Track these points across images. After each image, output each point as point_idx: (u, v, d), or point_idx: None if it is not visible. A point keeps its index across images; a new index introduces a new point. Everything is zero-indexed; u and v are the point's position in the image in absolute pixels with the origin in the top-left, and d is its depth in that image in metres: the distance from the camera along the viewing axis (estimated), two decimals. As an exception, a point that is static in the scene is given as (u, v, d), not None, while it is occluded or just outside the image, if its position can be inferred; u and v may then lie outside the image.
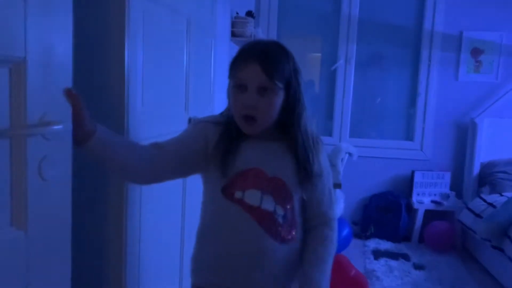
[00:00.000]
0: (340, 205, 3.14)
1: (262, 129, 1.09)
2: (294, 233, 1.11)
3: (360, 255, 3.36)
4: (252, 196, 1.06)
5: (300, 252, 1.14)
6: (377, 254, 3.36)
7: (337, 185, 2.13)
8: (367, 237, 3.68)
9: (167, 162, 1.08)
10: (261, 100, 1.04)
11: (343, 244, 3.19)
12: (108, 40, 1.14)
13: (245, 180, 1.06)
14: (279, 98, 1.07)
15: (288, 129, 1.11)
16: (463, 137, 3.78)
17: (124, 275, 1.20)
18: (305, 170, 1.09)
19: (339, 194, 3.10)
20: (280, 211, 1.08)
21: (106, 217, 1.20)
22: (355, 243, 3.39)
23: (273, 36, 3.87)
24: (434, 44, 3.74)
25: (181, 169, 1.14)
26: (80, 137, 0.92)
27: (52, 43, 0.85)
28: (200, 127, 1.13)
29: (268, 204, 1.07)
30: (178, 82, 1.57)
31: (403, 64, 3.90)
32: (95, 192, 1.19)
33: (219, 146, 1.08)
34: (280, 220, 1.08)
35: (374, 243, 3.56)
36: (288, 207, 1.10)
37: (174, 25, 1.50)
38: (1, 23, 0.74)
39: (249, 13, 2.92)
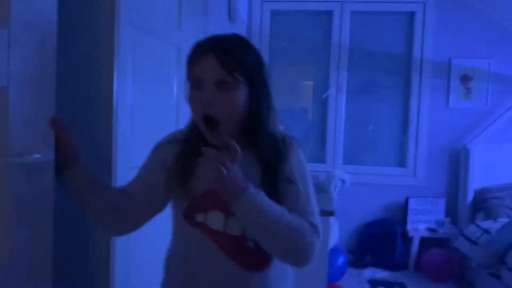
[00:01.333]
0: (334, 234, 3.10)
1: (227, 134, 0.91)
2: (269, 260, 0.95)
3: (356, 284, 3.29)
4: (215, 219, 0.92)
5: (279, 281, 0.98)
6: (374, 283, 3.30)
7: (330, 213, 2.11)
8: (363, 266, 3.62)
9: (136, 208, 0.97)
10: (220, 97, 0.90)
11: (338, 273, 3.13)
12: (96, 69, 1.14)
13: (205, 201, 0.92)
14: (241, 94, 0.92)
15: (254, 135, 0.95)
16: (456, 163, 3.79)
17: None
18: (271, 179, 0.93)
19: (333, 222, 3.06)
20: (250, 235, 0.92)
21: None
22: (350, 272, 3.33)
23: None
24: (424, 71, 3.80)
25: (155, 207, 1.00)
26: (61, 164, 0.89)
27: (35, 73, 0.84)
28: (156, 153, 1.01)
29: (234, 227, 0.91)
30: (169, 111, 1.57)
31: (395, 91, 3.94)
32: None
33: (176, 167, 0.95)
34: (251, 244, 0.92)
35: (370, 272, 3.49)
36: None
37: (164, 54, 1.51)
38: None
39: (241, 43, 2.96)
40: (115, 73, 1.13)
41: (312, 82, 4.09)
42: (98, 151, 1.14)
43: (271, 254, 0.94)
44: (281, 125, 1.02)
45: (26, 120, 0.83)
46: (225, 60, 0.90)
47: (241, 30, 3.59)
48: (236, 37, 0.96)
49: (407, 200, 3.71)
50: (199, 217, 0.93)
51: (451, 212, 3.77)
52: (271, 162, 0.94)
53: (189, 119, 1.01)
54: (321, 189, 2.97)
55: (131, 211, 0.97)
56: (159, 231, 1.52)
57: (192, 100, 0.93)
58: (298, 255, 0.91)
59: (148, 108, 1.37)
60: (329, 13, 3.90)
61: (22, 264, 0.83)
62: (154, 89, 1.42)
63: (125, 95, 1.20)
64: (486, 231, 3.10)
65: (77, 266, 1.17)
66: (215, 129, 0.91)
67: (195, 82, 0.92)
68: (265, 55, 3.90)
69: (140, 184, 0.99)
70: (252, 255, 0.93)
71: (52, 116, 0.88)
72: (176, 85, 1.61)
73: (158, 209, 1.02)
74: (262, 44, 3.92)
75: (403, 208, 3.77)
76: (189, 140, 0.97)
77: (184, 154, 0.95)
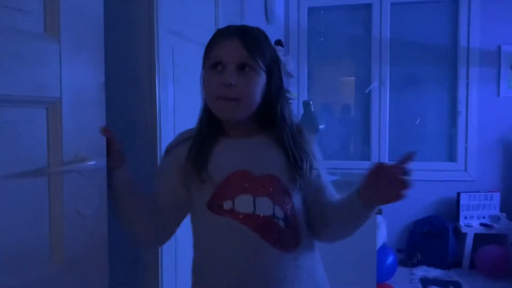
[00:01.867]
0: (382, 232, 3.02)
1: (245, 115, 0.94)
2: (299, 239, 0.95)
3: (407, 284, 3.20)
4: (244, 203, 0.90)
5: (310, 259, 0.97)
6: (426, 282, 3.19)
7: (378, 211, 2.06)
8: (414, 265, 3.51)
9: (166, 216, 0.98)
10: (242, 79, 0.91)
11: (388, 272, 3.06)
12: (138, 77, 1.18)
13: (230, 187, 0.92)
14: (261, 80, 0.93)
15: (270, 122, 0.97)
16: (510, 154, 3.59)
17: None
18: (297, 165, 0.94)
19: (380, 220, 2.99)
20: (279, 213, 0.92)
21: (141, 251, 1.20)
22: (400, 271, 3.23)
23: (304, 63, 3.89)
24: (471, 61, 3.63)
25: (183, 210, 1.00)
26: (110, 166, 0.95)
27: (85, 82, 0.89)
28: (168, 158, 1.01)
29: (264, 208, 0.91)
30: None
31: (440, 83, 3.80)
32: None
33: (190, 162, 0.94)
34: (282, 224, 0.92)
35: (421, 271, 3.38)
36: (288, 207, 0.93)
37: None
38: (37, 66, 0.78)
39: (278, 42, 2.95)
40: (156, 79, 1.17)
41: (354, 78, 4.02)
42: (143, 156, 1.17)
43: (337, 235, 1.02)
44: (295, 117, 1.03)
45: (78, 129, 0.87)
46: (250, 44, 0.91)
47: (278, 30, 3.59)
48: (258, 29, 0.98)
49: (458, 195, 3.56)
50: (227, 204, 0.91)
51: (507, 206, 3.58)
52: (291, 147, 0.95)
53: (201, 110, 1.01)
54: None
55: (163, 219, 0.98)
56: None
57: (209, 83, 0.94)
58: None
59: (189, 113, 1.40)
60: (368, 6, 3.81)
61: (77, 273, 0.87)
62: (194, 94, 1.45)
63: (167, 100, 1.23)
64: (546, 226, 2.92)
65: (127, 271, 1.21)
66: (234, 106, 0.92)
67: (213, 65, 0.93)
68: (303, 53, 3.89)
69: (163, 194, 0.99)
70: (283, 234, 0.92)
71: (104, 125, 0.93)
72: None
73: (187, 210, 1.01)
74: (300, 42, 3.90)
75: (455, 204, 3.62)
76: (201, 130, 0.98)
77: (198, 144, 0.95)
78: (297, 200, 0.97)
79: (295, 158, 0.95)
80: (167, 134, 1.21)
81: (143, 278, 1.21)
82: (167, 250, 1.22)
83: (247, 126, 0.98)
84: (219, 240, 0.92)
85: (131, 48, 1.18)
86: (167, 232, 1.02)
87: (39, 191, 0.80)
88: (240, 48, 0.91)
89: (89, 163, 0.87)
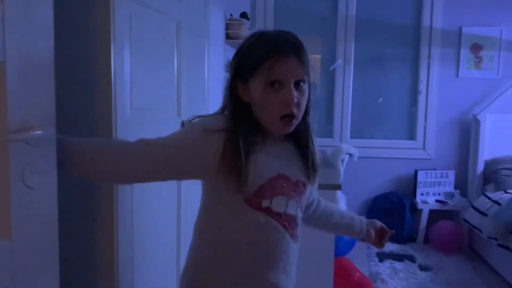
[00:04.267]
0: (342, 207, 3.10)
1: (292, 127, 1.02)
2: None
3: (364, 258, 3.31)
4: (279, 203, 1.01)
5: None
6: (382, 256, 3.32)
7: (337, 186, 2.10)
8: (372, 239, 3.63)
9: (157, 164, 0.97)
10: (299, 94, 0.98)
11: (346, 247, 3.15)
12: (92, 43, 1.12)
13: (273, 188, 1.00)
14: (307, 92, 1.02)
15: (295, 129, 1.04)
16: (466, 134, 3.74)
17: (116, 283, 1.18)
18: (313, 167, 1.07)
19: (340, 195, 3.06)
20: (300, 213, 1.08)
21: (96, 223, 1.17)
22: (359, 245, 3.34)
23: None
24: (434, 41, 3.71)
25: (157, 177, 1.03)
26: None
27: (33, 47, 0.83)
28: (200, 140, 0.97)
29: (292, 209, 1.04)
30: (169, 86, 1.55)
31: (403, 62, 3.87)
32: (83, 198, 1.17)
33: (229, 158, 0.95)
34: (299, 221, 1.08)
35: (378, 245, 3.50)
36: (301, 207, 1.09)
37: (163, 28, 1.48)
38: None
39: (244, 15, 2.90)
40: (112, 47, 1.11)
41: (320, 56, 4.02)
42: (98, 129, 1.13)
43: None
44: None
45: (25, 96, 0.82)
46: (305, 61, 0.98)
47: (245, 3, 3.52)
48: (297, 37, 1.02)
49: (416, 172, 3.68)
50: (265, 203, 1.00)
51: (461, 184, 3.74)
52: (310, 153, 1.06)
53: (222, 107, 1.04)
54: (328, 163, 2.95)
55: (147, 162, 0.96)
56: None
57: (269, 101, 0.97)
58: None
59: (148, 83, 1.35)
60: (335, -16, 3.80)
61: (25, 249, 0.83)
62: (154, 64, 1.40)
63: (124, 70, 1.18)
64: (496, 202, 3.08)
65: (80, 245, 1.18)
66: (292, 124, 1.00)
67: (272, 82, 0.96)
68: (269, 28, 3.84)
69: (171, 154, 0.97)
70: (297, 229, 1.07)
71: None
72: (177, 60, 1.58)
73: (159, 179, 1.05)
74: (266, 17, 3.85)
75: (412, 181, 3.75)
76: (240, 129, 0.98)
77: (237, 146, 0.96)
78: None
79: (313, 163, 1.06)
80: (123, 105, 1.17)
81: (96, 257, 1.18)
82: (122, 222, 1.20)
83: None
84: (253, 231, 1.01)
85: (85, 14, 1.12)
86: (132, 178, 1.02)
87: (-20, 161, 0.76)
88: (298, 66, 0.97)
89: (37, 132, 0.82)
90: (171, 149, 0.97)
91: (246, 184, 0.96)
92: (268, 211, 1.00)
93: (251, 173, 0.96)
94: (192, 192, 1.33)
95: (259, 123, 1.01)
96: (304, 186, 1.07)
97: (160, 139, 0.99)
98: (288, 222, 1.03)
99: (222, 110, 1.05)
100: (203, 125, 1.00)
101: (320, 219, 1.26)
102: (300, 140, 1.06)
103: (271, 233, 1.02)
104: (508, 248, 2.77)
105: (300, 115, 1.00)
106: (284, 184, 1.02)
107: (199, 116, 1.03)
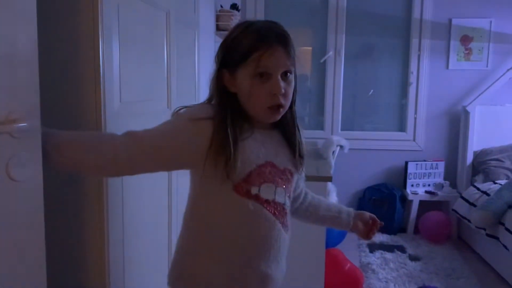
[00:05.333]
0: (333, 199, 3.11)
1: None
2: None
3: (355, 248, 3.33)
4: (268, 190, 1.03)
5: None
6: (372, 247, 3.34)
7: (328, 178, 2.10)
8: (362, 230, 3.65)
9: (145, 155, 0.97)
10: (286, 85, 1.00)
11: (337, 238, 3.16)
12: (80, 34, 1.09)
13: (261, 175, 1.02)
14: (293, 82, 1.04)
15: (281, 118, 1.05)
16: (456, 126, 3.76)
17: (107, 279, 1.16)
18: (300, 156, 1.09)
19: (331, 187, 3.07)
20: (288, 202, 1.09)
21: (85, 220, 1.15)
22: (349, 236, 3.35)
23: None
24: (424, 33, 3.72)
25: (145, 167, 1.02)
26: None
27: (15, 38, 0.81)
28: (187, 128, 0.98)
29: (280, 196, 1.05)
30: (159, 78, 1.53)
31: (394, 54, 3.87)
32: (71, 193, 1.15)
33: (218, 145, 0.96)
34: (287, 209, 1.09)
35: (369, 236, 3.53)
36: (290, 196, 1.11)
37: (152, 19, 1.46)
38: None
39: (234, 6, 2.87)
40: (100, 39, 1.09)
41: (311, 47, 4.00)
42: (86, 122, 1.11)
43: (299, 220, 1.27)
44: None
45: (8, 88, 0.79)
46: (292, 52, 0.99)
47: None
48: (283, 28, 1.02)
49: (406, 164, 3.71)
50: (254, 190, 1.01)
51: (450, 175, 3.78)
52: (297, 141, 1.08)
53: (210, 97, 1.05)
54: (319, 155, 2.95)
55: (135, 155, 0.97)
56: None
57: (257, 91, 0.98)
58: None
59: (137, 75, 1.33)
60: (326, -26, 3.78)
61: (9, 243, 0.81)
62: (143, 55, 1.38)
63: (112, 61, 1.16)
64: (485, 193, 3.11)
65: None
66: (279, 113, 1.02)
67: (261, 73, 0.97)
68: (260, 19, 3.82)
69: (158, 146, 0.98)
70: (287, 218, 1.09)
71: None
72: (167, 51, 1.56)
73: (146, 171, 1.05)
74: (257, 9, 3.82)
75: (402, 173, 3.78)
76: (227, 118, 0.98)
77: (225, 134, 0.96)
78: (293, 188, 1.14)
79: (300, 152, 1.08)
80: (112, 97, 1.15)
81: (86, 255, 1.16)
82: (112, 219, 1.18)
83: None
84: (243, 218, 1.02)
85: (72, 4, 1.09)
86: (119, 170, 1.01)
87: (-36, 155, 0.73)
88: (285, 57, 0.98)
89: (21, 124, 0.80)
90: (159, 139, 0.98)
91: (235, 171, 0.96)
92: (257, 198, 1.01)
93: (239, 160, 0.97)
94: (183, 186, 1.31)
95: (246, 112, 1.02)
96: (291, 174, 1.09)
97: (148, 130, 0.99)
98: (277, 210, 1.05)
99: (209, 100, 1.06)
100: (190, 114, 1.00)
101: (306, 212, 1.27)
102: (286, 129, 1.08)
103: (261, 220, 1.02)
104: (496, 238, 2.80)
105: (287, 105, 1.02)
106: (272, 172, 1.03)
107: (186, 107, 1.04)
